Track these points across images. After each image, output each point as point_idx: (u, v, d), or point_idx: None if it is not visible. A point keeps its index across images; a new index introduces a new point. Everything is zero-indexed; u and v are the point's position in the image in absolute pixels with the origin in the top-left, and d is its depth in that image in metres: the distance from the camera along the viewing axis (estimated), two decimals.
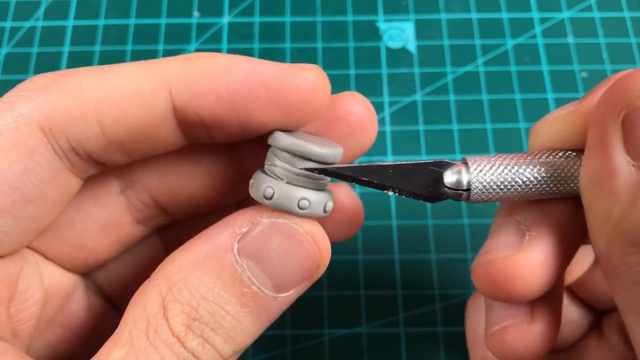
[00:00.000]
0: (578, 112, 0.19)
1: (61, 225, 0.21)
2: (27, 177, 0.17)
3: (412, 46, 0.42)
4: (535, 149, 0.20)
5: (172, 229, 0.25)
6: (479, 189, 0.19)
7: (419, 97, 0.41)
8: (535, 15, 0.43)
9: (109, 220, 0.22)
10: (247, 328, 0.18)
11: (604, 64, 0.41)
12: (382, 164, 0.19)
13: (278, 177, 0.18)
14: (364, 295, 0.35)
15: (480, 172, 0.19)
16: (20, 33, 0.43)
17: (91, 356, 0.17)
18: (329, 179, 0.19)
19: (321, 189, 0.19)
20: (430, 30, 0.43)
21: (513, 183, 0.19)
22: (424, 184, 0.19)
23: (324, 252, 0.19)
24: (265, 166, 0.19)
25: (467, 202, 0.20)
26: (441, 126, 0.40)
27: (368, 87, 0.41)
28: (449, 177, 0.19)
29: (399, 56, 0.42)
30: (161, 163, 0.22)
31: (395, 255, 0.36)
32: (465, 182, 0.19)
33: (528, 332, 0.20)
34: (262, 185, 0.18)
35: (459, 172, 0.19)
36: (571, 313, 0.27)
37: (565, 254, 0.19)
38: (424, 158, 0.20)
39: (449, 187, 0.19)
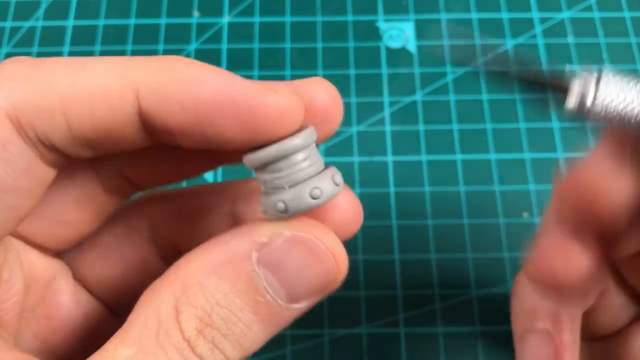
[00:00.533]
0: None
1: (39, 205, 0.21)
2: (1, 168, 0.17)
3: (412, 46, 0.42)
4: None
5: (163, 230, 0.25)
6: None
7: (419, 97, 0.41)
8: (535, 15, 0.43)
9: (82, 192, 0.22)
10: (257, 335, 0.18)
11: (603, 64, 0.41)
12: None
13: (277, 188, 0.18)
14: (364, 295, 0.35)
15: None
16: (20, 33, 0.43)
17: (84, 351, 0.17)
18: (321, 159, 0.19)
19: (320, 170, 0.19)
20: (430, 30, 0.43)
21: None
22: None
23: (342, 268, 0.19)
24: (262, 189, 0.19)
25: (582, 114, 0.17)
26: (441, 126, 0.40)
27: (368, 87, 0.41)
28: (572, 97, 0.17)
29: (399, 56, 0.42)
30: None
31: (395, 255, 0.36)
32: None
33: (571, 255, 0.19)
34: (271, 205, 0.18)
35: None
36: (615, 298, 0.26)
37: None
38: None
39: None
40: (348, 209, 0.21)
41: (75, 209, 0.22)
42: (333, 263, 0.18)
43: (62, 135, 0.18)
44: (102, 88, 0.17)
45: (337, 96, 0.20)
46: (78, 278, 0.24)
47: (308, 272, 0.18)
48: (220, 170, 0.39)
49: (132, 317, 0.17)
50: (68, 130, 0.17)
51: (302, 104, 0.18)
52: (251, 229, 0.18)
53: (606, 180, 0.18)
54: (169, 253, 0.25)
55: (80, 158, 0.19)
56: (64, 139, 0.18)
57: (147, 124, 0.18)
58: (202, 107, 0.17)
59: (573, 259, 0.18)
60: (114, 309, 0.25)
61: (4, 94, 0.17)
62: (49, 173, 0.19)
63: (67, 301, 0.23)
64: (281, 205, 0.18)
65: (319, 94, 0.20)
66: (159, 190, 0.26)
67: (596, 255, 0.19)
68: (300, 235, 0.18)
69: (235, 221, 0.23)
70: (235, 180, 0.26)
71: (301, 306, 0.18)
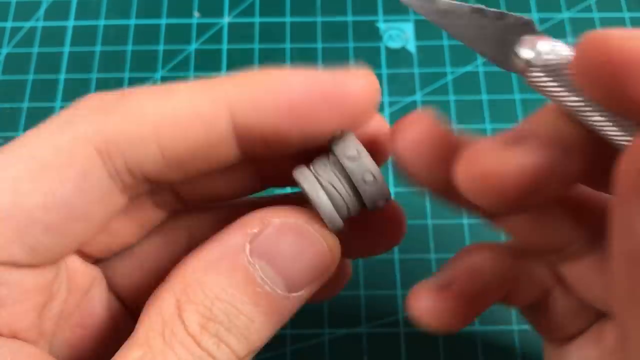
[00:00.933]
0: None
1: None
2: (78, 197, 0.17)
3: (412, 46, 0.42)
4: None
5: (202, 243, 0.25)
6: (549, 60, 0.17)
7: (419, 97, 0.41)
8: (535, 15, 0.43)
9: (130, 204, 0.22)
10: (261, 327, 0.18)
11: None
12: (461, 7, 0.18)
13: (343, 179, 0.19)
14: (364, 295, 0.35)
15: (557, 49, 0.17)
16: (20, 33, 0.43)
17: (107, 359, 0.17)
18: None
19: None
20: (430, 30, 0.43)
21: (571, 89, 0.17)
22: (495, 43, 0.18)
23: (334, 250, 0.19)
24: (328, 181, 0.19)
25: (526, 76, 0.17)
26: None
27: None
28: (522, 49, 0.17)
29: (399, 56, 0.42)
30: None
31: (396, 255, 0.36)
32: (535, 58, 0.17)
33: (508, 158, 0.17)
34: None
35: (535, 41, 0.17)
36: (562, 303, 0.26)
37: (564, 177, 0.17)
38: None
39: (517, 56, 0.17)
40: (388, 217, 0.22)
41: (122, 219, 0.22)
42: (324, 246, 0.19)
43: (154, 163, 0.18)
44: (194, 110, 0.18)
45: (373, 90, 0.19)
46: (112, 287, 0.24)
47: (301, 257, 0.18)
48: None
49: (139, 321, 0.18)
50: (161, 157, 0.18)
51: (377, 81, 0.19)
52: (243, 222, 0.18)
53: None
54: None
55: (169, 183, 0.20)
56: (156, 166, 0.18)
57: (242, 138, 0.18)
58: (297, 108, 0.18)
59: (510, 157, 0.17)
60: (136, 314, 0.25)
61: (94, 125, 0.17)
62: (123, 203, 0.19)
63: (101, 311, 0.23)
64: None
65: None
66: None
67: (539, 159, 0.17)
68: (288, 222, 0.18)
69: None
70: (274, 195, 0.26)
71: (301, 294, 0.18)
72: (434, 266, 0.36)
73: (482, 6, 0.18)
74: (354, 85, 0.18)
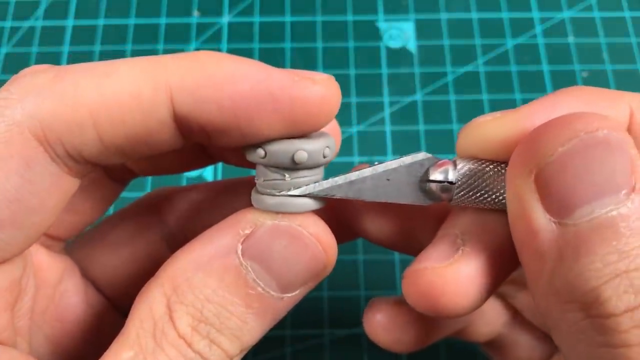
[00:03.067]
0: (503, 122, 0.18)
1: None
2: (25, 188, 0.17)
3: (412, 46, 0.42)
4: (461, 154, 0.19)
5: (175, 227, 0.25)
6: (463, 188, 0.19)
7: (419, 97, 0.41)
8: (536, 15, 0.43)
9: (89, 182, 0.22)
10: (253, 328, 0.18)
11: (604, 64, 0.41)
12: (361, 173, 0.18)
13: (277, 189, 0.18)
14: (364, 295, 0.35)
15: (467, 170, 0.19)
16: (20, 33, 0.43)
17: (96, 353, 0.17)
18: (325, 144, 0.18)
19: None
20: (430, 30, 0.43)
21: (494, 188, 0.18)
22: (407, 186, 0.19)
23: (330, 252, 0.18)
24: (262, 186, 0.18)
25: (450, 203, 0.19)
26: (441, 126, 0.40)
27: (368, 87, 0.41)
28: (435, 174, 0.19)
29: (399, 56, 0.42)
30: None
31: (395, 255, 0.36)
32: (452, 177, 0.19)
33: (444, 275, 0.18)
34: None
35: (446, 170, 0.19)
36: (522, 337, 0.27)
37: (502, 271, 0.19)
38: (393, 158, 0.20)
39: (433, 181, 0.19)
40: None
41: (83, 198, 0.22)
42: (319, 249, 0.18)
43: (93, 147, 0.17)
44: (133, 94, 0.17)
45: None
46: (88, 276, 0.24)
47: (295, 260, 0.18)
48: (220, 168, 0.39)
49: (129, 320, 0.17)
50: (100, 142, 0.17)
51: (339, 92, 0.18)
52: (234, 222, 0.18)
53: (440, 277, 0.18)
54: None
55: (110, 165, 0.19)
56: (95, 150, 0.17)
57: (182, 126, 0.17)
58: (240, 105, 0.17)
59: (462, 285, 0.18)
60: (123, 308, 0.25)
61: (28, 110, 0.16)
62: (74, 184, 0.18)
63: (77, 302, 0.23)
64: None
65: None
66: (171, 187, 0.26)
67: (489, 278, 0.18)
68: (281, 224, 0.18)
69: None
70: (250, 177, 0.26)
71: (295, 294, 0.18)
72: None
73: (377, 162, 0.19)
74: (306, 91, 0.17)
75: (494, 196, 0.18)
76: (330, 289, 0.35)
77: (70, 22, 0.43)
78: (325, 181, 0.18)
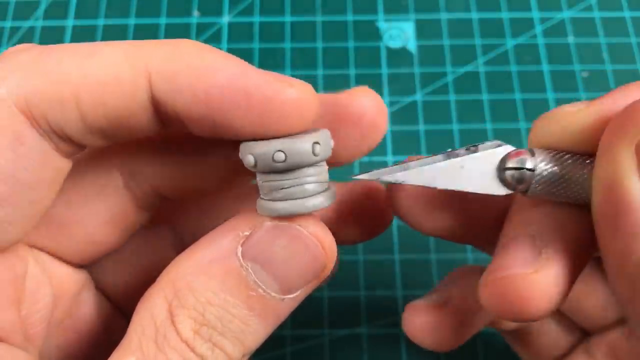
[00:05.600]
0: (589, 112, 0.18)
1: (69, 223, 0.21)
2: (19, 163, 0.17)
3: (412, 46, 0.42)
4: (535, 145, 0.19)
5: (186, 235, 0.25)
6: (542, 177, 0.18)
7: (419, 97, 0.41)
8: (536, 15, 0.43)
9: (115, 212, 0.22)
10: (256, 330, 0.17)
11: (604, 64, 0.41)
12: (434, 159, 0.18)
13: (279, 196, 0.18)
14: (364, 295, 0.35)
15: (546, 159, 0.18)
16: (19, 33, 0.43)
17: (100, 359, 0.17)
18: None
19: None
20: (430, 30, 0.43)
21: (574, 180, 0.18)
22: (481, 175, 0.18)
23: (330, 252, 0.18)
24: (268, 190, 0.18)
25: (524, 195, 0.18)
26: (441, 126, 0.40)
27: (368, 87, 0.41)
28: (513, 162, 0.18)
29: (399, 56, 0.42)
30: (161, 155, 0.22)
31: (395, 255, 0.36)
32: (530, 165, 0.18)
33: (532, 282, 0.18)
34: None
35: (524, 159, 0.18)
36: (550, 325, 0.26)
37: (579, 269, 0.18)
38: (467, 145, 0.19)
39: (511, 168, 0.18)
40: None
41: (106, 229, 0.21)
42: (319, 247, 0.18)
43: (75, 126, 0.17)
44: (114, 76, 0.17)
45: (383, 107, 0.20)
46: (100, 288, 0.24)
47: (296, 260, 0.18)
48: None
49: (130, 327, 0.17)
50: (81, 120, 0.17)
51: (316, 99, 0.18)
52: (234, 224, 0.18)
53: (531, 284, 0.18)
54: None
55: (93, 146, 0.19)
56: (77, 129, 0.17)
57: (159, 111, 0.18)
58: (214, 97, 0.17)
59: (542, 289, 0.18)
60: (129, 315, 0.25)
61: (14, 86, 0.16)
62: (65, 163, 0.18)
63: (91, 313, 0.23)
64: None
65: (367, 107, 0.20)
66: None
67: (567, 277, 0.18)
68: (280, 224, 0.18)
69: None
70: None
71: (296, 295, 0.18)
72: (434, 266, 0.36)
73: (450, 150, 0.19)
74: (283, 95, 0.17)
75: (573, 187, 0.18)
76: (330, 289, 0.35)
77: (70, 22, 0.43)
78: (396, 166, 0.18)
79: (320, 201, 0.18)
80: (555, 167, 0.18)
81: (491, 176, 0.19)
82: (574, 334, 0.26)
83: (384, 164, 0.38)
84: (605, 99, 0.17)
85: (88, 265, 0.23)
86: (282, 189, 0.18)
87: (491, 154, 0.18)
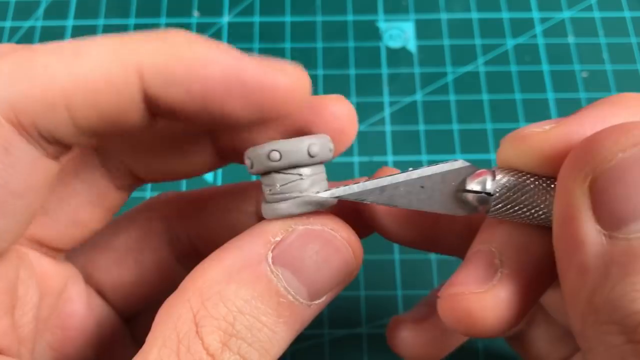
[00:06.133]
0: (553, 134, 0.17)
1: (53, 207, 0.21)
2: (7, 172, 0.16)
3: (412, 46, 0.42)
4: (501, 164, 0.19)
5: (182, 233, 0.25)
6: (501, 200, 0.18)
7: (419, 97, 0.41)
8: (536, 15, 0.43)
9: (94, 192, 0.22)
10: (282, 338, 0.17)
11: (604, 64, 0.41)
12: (394, 179, 0.18)
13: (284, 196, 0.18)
14: (364, 295, 0.35)
15: (506, 181, 0.18)
16: (19, 33, 0.43)
17: (98, 359, 0.17)
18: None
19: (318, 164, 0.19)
20: (430, 30, 0.43)
21: (534, 203, 0.18)
22: (441, 195, 0.18)
23: (359, 257, 0.18)
24: (272, 194, 0.18)
25: (487, 214, 0.18)
26: (441, 126, 0.40)
27: (368, 87, 0.41)
28: (473, 184, 0.18)
29: (399, 56, 0.42)
30: (135, 141, 0.21)
31: (395, 255, 0.36)
32: (490, 188, 0.18)
33: (480, 301, 0.17)
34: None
35: (484, 180, 0.18)
36: (545, 332, 0.26)
37: (538, 290, 0.18)
38: (434, 163, 0.19)
39: (470, 191, 0.18)
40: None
41: (89, 209, 0.21)
42: (350, 253, 0.18)
43: (66, 129, 0.17)
44: (104, 75, 0.16)
45: (354, 115, 0.20)
46: (91, 282, 0.23)
47: (327, 265, 0.17)
48: (220, 171, 0.39)
49: (150, 337, 0.17)
50: (72, 123, 0.17)
51: (309, 84, 0.18)
52: (263, 229, 0.18)
53: (480, 303, 0.18)
54: (188, 257, 0.25)
55: (85, 147, 0.19)
56: (68, 131, 0.17)
57: (152, 106, 0.17)
58: (209, 89, 0.16)
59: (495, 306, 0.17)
60: (125, 315, 0.25)
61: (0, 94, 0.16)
62: (54, 166, 0.18)
63: (80, 309, 0.22)
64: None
65: (339, 114, 0.19)
66: (177, 192, 0.26)
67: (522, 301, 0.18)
68: (314, 229, 0.17)
69: (261, 219, 0.23)
70: (258, 180, 0.25)
71: (322, 301, 0.18)
72: (434, 266, 0.36)
73: (412, 168, 0.18)
74: (276, 79, 0.17)
75: (533, 211, 0.18)
76: None
77: (70, 22, 0.43)
78: (356, 185, 0.18)
79: (319, 202, 0.18)
80: (516, 192, 0.18)
81: (451, 197, 0.18)
82: (569, 344, 0.26)
83: (384, 164, 0.38)
84: (572, 121, 0.17)
85: (70, 249, 0.22)
86: (280, 189, 0.18)
87: (452, 174, 0.18)
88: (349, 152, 0.39)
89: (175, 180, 0.24)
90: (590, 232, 0.14)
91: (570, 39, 0.42)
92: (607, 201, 0.14)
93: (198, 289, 0.17)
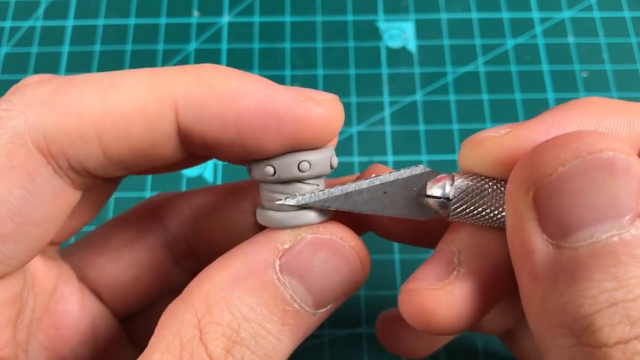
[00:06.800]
0: (507, 139, 0.17)
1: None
2: (29, 201, 0.16)
3: (412, 46, 0.42)
4: (462, 168, 0.19)
5: (178, 233, 0.24)
6: (460, 205, 0.18)
7: (419, 97, 0.41)
8: (536, 15, 0.43)
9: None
10: (286, 346, 0.17)
11: (604, 64, 0.41)
12: (358, 185, 0.18)
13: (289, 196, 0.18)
14: (364, 295, 0.35)
15: (465, 186, 0.18)
16: (19, 33, 0.43)
17: (93, 358, 0.17)
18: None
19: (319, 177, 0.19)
20: (430, 30, 0.43)
21: (492, 206, 0.18)
22: (403, 200, 0.19)
23: (366, 267, 0.18)
24: (270, 202, 0.18)
25: (447, 218, 0.19)
26: (441, 126, 0.40)
27: (368, 87, 0.41)
28: (433, 189, 0.18)
29: (399, 56, 0.42)
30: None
31: (395, 255, 0.36)
32: (448, 193, 0.18)
33: (435, 298, 0.18)
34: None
35: (443, 185, 0.18)
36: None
37: (497, 291, 0.18)
38: (401, 169, 0.19)
39: (430, 196, 0.18)
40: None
41: (81, 200, 0.21)
42: (358, 262, 0.18)
43: (96, 160, 0.17)
44: (138, 108, 0.16)
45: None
46: (86, 282, 0.23)
47: (335, 275, 0.17)
48: (220, 169, 0.39)
49: (153, 341, 0.17)
50: (103, 155, 0.17)
51: (343, 113, 0.18)
52: (271, 236, 0.18)
53: (434, 300, 0.18)
54: (185, 257, 0.25)
55: (112, 177, 0.19)
56: (98, 163, 0.17)
57: (185, 140, 0.17)
58: (244, 122, 0.17)
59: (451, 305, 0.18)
60: (121, 315, 0.24)
61: (31, 121, 0.16)
62: (76, 196, 0.18)
63: (73, 308, 0.22)
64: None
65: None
66: (173, 192, 0.26)
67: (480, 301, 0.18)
68: (323, 237, 0.17)
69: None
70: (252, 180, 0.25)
71: (327, 309, 0.18)
72: None
73: (374, 175, 0.19)
74: (315, 115, 0.17)
75: (492, 214, 0.18)
76: None
77: (70, 22, 0.43)
78: (321, 192, 0.18)
79: (312, 216, 0.18)
80: (474, 195, 0.18)
81: (413, 202, 0.19)
82: None
83: (384, 164, 0.38)
84: (526, 126, 0.17)
85: (60, 242, 0.22)
86: (277, 200, 0.18)
87: (414, 180, 0.19)
88: (349, 152, 0.39)
89: (159, 173, 0.24)
90: (538, 242, 0.15)
91: (570, 39, 0.42)
92: (551, 213, 0.15)
93: (203, 294, 0.17)
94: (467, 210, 0.18)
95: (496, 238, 0.18)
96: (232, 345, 0.16)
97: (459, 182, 0.18)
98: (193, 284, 0.17)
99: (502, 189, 0.18)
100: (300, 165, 0.17)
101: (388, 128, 0.40)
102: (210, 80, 0.17)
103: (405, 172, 0.18)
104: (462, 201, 0.18)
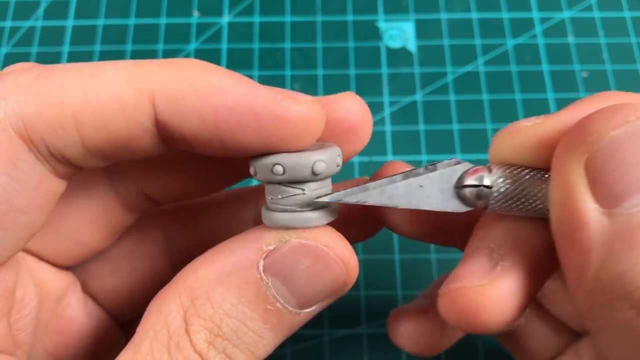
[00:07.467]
0: (544, 126, 0.17)
1: (54, 223, 0.21)
2: (13, 187, 0.16)
3: (412, 46, 0.42)
4: (494, 160, 0.19)
5: (179, 241, 0.24)
6: (499, 193, 0.18)
7: (419, 97, 0.41)
8: (536, 15, 0.43)
9: (99, 211, 0.21)
10: (269, 343, 0.17)
11: (604, 64, 0.41)
12: (392, 180, 0.18)
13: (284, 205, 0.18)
14: (364, 295, 0.35)
15: (503, 175, 0.18)
16: (19, 33, 0.43)
17: None
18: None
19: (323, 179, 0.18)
20: (430, 30, 0.43)
21: (531, 194, 0.18)
22: (440, 193, 0.19)
23: (353, 273, 0.18)
24: (277, 203, 0.18)
25: (486, 209, 0.19)
26: (441, 126, 0.40)
27: (368, 87, 0.41)
28: (471, 179, 0.18)
29: (399, 56, 0.42)
30: (148, 164, 0.21)
31: (395, 255, 0.36)
32: (487, 182, 0.18)
33: (484, 294, 0.17)
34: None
35: (481, 176, 0.18)
36: (539, 328, 0.26)
37: (538, 282, 0.18)
38: (426, 163, 0.19)
39: (468, 186, 0.18)
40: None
41: (92, 229, 0.21)
42: (343, 269, 0.18)
43: (75, 149, 0.17)
44: (117, 99, 0.16)
45: (368, 112, 0.20)
46: (87, 290, 0.23)
47: (317, 279, 0.18)
48: None
49: (140, 329, 0.17)
50: (82, 144, 0.17)
51: (324, 115, 0.18)
52: (257, 236, 0.18)
53: (483, 296, 0.17)
54: (184, 264, 0.25)
55: (93, 168, 0.19)
56: (77, 152, 0.17)
57: (163, 133, 0.17)
58: (221, 118, 0.17)
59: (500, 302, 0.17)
60: (120, 320, 0.25)
61: (11, 108, 0.16)
62: (61, 185, 0.18)
63: (77, 315, 0.22)
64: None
65: (351, 109, 0.19)
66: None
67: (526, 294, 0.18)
68: (307, 243, 0.18)
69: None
70: (256, 186, 0.25)
71: (312, 310, 0.18)
72: (435, 266, 0.36)
73: (409, 169, 0.19)
74: (289, 110, 0.17)
75: (531, 202, 0.18)
76: None
77: (70, 22, 0.43)
78: (357, 187, 0.18)
79: (319, 217, 0.18)
80: (513, 184, 0.18)
81: (450, 194, 0.19)
82: (564, 336, 0.26)
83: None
84: (562, 113, 0.17)
85: (74, 267, 0.22)
86: (282, 201, 0.18)
87: (449, 172, 0.19)
88: None
89: (190, 199, 0.24)
90: (590, 211, 0.14)
91: (570, 39, 0.42)
92: (603, 179, 0.14)
93: (189, 287, 0.17)
94: (507, 200, 0.18)
95: (532, 228, 0.18)
96: (213, 338, 0.17)
97: (497, 171, 0.18)
98: (179, 275, 0.18)
99: (539, 176, 0.18)
100: (315, 167, 0.17)
101: (388, 128, 0.40)
102: (191, 75, 0.17)
103: (440, 165, 0.19)
104: (501, 190, 0.18)
